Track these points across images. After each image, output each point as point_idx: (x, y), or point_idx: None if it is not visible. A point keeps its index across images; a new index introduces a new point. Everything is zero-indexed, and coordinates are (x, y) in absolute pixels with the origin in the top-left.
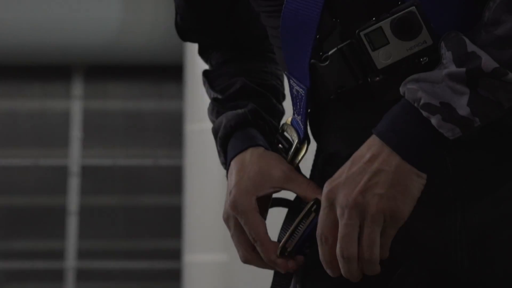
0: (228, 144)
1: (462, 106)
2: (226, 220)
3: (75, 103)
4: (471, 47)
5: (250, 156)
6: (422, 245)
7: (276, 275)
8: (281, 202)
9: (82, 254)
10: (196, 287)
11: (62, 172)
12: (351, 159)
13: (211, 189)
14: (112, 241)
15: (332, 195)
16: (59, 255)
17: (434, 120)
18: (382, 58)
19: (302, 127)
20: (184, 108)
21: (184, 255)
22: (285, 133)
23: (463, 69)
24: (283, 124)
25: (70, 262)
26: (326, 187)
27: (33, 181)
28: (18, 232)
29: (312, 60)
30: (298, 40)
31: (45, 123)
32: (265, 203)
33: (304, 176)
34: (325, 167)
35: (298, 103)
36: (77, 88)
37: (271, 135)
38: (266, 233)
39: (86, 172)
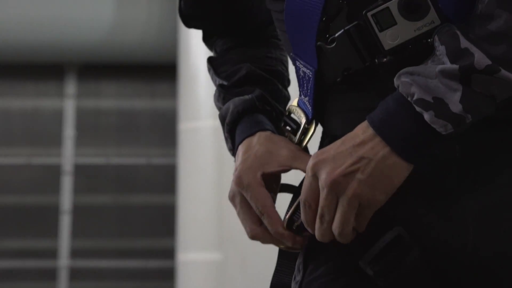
0: (235, 129)
1: (454, 102)
2: (232, 198)
3: (68, 102)
4: (464, 43)
5: (258, 138)
6: (426, 226)
7: (280, 257)
8: (290, 188)
9: (75, 253)
10: (190, 286)
11: (55, 171)
12: (343, 138)
13: (205, 188)
14: (105, 240)
15: (316, 168)
16: (52, 254)
17: (427, 116)
18: (389, 39)
19: (310, 108)
20: (177, 107)
21: (178, 254)
22: (292, 115)
23: (456, 66)
24: (289, 106)
25: (63, 261)
26: (313, 158)
27: (26, 179)
28: (10, 231)
29: (319, 43)
30: (303, 23)
31: (38, 122)
32: (274, 185)
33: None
34: None
35: (305, 84)
36: (70, 87)
37: (278, 121)
38: (273, 206)
39: (79, 171)
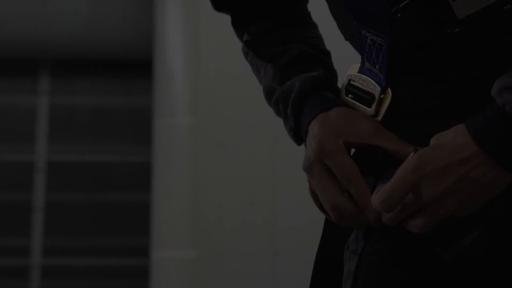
0: (303, 107)
1: None
2: (309, 168)
3: (42, 98)
4: None
5: (335, 112)
6: (490, 206)
7: (329, 230)
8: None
9: (47, 251)
10: (165, 284)
11: (28, 168)
12: (447, 148)
13: (180, 186)
14: (78, 238)
15: (418, 182)
16: (24, 252)
17: None
18: (463, 7)
19: (382, 76)
20: (153, 104)
21: (152, 252)
22: (355, 83)
23: None
24: (349, 75)
25: (36, 259)
26: (417, 169)
27: None
28: None
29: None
30: None
31: (11, 118)
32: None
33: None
34: (397, 124)
35: (374, 52)
36: (44, 83)
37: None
38: (360, 174)
39: (53, 168)
